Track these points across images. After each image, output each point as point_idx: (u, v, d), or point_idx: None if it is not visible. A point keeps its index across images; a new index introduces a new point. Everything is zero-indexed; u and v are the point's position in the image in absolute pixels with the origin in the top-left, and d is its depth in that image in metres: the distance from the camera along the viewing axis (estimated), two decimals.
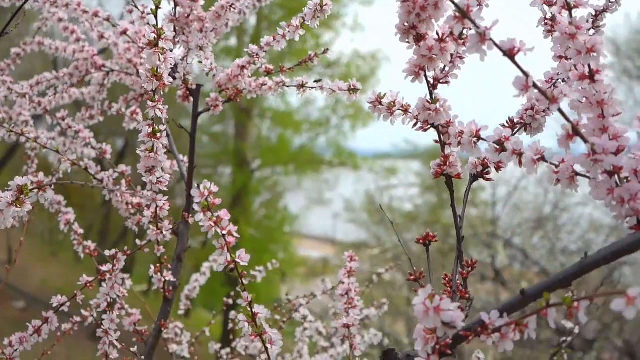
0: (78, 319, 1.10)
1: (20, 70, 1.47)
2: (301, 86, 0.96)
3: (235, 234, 0.63)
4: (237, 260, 0.63)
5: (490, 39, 0.50)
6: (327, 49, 1.00)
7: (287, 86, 0.98)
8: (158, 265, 0.97)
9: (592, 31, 0.73)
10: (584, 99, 0.54)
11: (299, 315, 1.32)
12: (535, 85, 0.51)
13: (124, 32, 1.05)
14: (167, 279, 0.98)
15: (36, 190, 0.67)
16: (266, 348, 0.64)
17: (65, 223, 1.11)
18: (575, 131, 0.52)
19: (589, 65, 0.54)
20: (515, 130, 0.69)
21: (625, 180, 0.52)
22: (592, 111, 0.54)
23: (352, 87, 0.84)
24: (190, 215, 0.96)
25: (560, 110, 0.52)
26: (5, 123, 1.26)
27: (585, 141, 0.51)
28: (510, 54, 0.51)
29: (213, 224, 0.62)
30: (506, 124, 0.69)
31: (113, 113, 1.18)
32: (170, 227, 0.91)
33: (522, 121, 0.69)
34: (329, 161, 12.16)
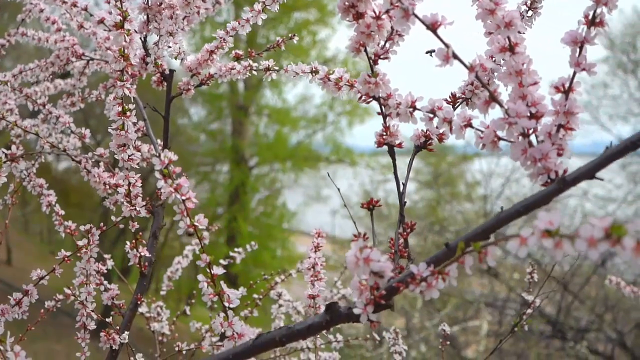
0: (60, 297, 1.15)
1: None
2: (267, 69, 1.01)
3: (194, 200, 0.68)
4: (196, 223, 0.68)
5: (414, 14, 0.55)
6: (294, 35, 1.05)
7: (256, 70, 1.03)
8: (134, 241, 1.02)
9: (530, 12, 0.78)
10: (504, 69, 0.59)
11: (275, 293, 1.37)
12: (454, 56, 0.56)
13: (101, 21, 1.09)
14: (142, 254, 1.03)
15: (9, 162, 0.72)
16: (224, 307, 0.70)
17: (46, 205, 1.16)
18: (492, 97, 0.57)
19: (509, 38, 0.59)
20: (457, 104, 0.74)
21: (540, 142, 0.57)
22: (512, 80, 0.59)
23: (314, 69, 0.89)
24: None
25: (479, 79, 0.57)
26: None
27: (502, 106, 0.57)
28: (433, 27, 0.56)
29: (173, 190, 0.67)
30: (448, 99, 0.74)
31: (92, 99, 1.23)
32: (144, 204, 0.96)
33: (463, 95, 0.74)
34: (326, 158, 12.21)
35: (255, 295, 1.34)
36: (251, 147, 12.15)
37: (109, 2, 1.14)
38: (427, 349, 5.41)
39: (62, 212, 1.16)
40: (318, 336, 1.21)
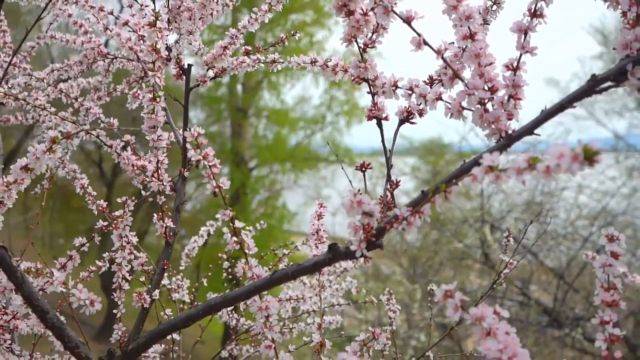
0: (95, 267, 1.30)
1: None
2: (274, 62, 1.17)
3: (218, 165, 0.83)
4: (221, 184, 0.84)
5: (392, 10, 0.71)
6: (296, 32, 1.21)
7: (263, 63, 1.18)
8: (160, 213, 1.17)
9: (494, 7, 0.94)
10: (465, 52, 0.75)
11: (282, 265, 1.52)
12: (425, 42, 0.71)
13: (126, 23, 1.25)
14: (168, 225, 1.18)
15: (65, 139, 0.87)
16: (244, 252, 0.85)
17: (80, 187, 1.31)
18: (455, 74, 0.72)
19: (469, 28, 0.74)
20: (434, 84, 0.90)
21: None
22: (473, 62, 0.75)
23: (313, 59, 1.05)
24: (186, 170, 1.17)
25: (444, 60, 0.72)
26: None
27: (463, 81, 0.72)
28: (408, 21, 0.72)
29: (202, 158, 0.83)
30: (426, 80, 0.90)
31: (117, 94, 1.38)
32: (170, 179, 1.12)
33: (439, 78, 0.89)
34: (325, 158, 12.36)
35: (265, 268, 1.49)
36: (251, 148, 12.28)
37: (131, 6, 1.30)
38: (426, 338, 5.55)
39: (94, 193, 1.31)
40: (323, 300, 1.36)
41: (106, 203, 1.26)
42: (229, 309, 1.59)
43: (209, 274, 1.70)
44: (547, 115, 0.68)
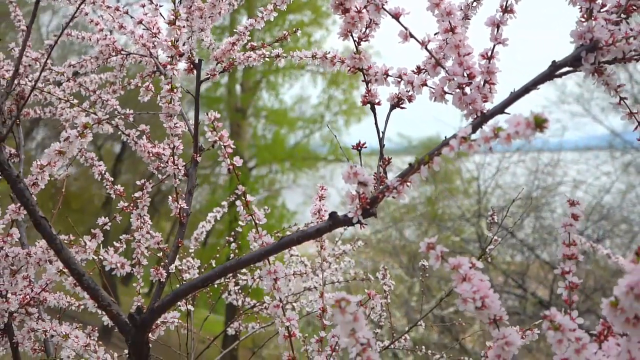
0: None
1: None
2: (277, 56, 1.28)
3: (232, 146, 0.94)
4: (234, 163, 0.95)
5: (383, 7, 0.82)
6: (297, 29, 1.32)
7: (267, 57, 1.30)
8: (175, 195, 1.28)
9: (475, 3, 1.05)
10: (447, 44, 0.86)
11: None
12: (411, 35, 0.83)
13: (140, 22, 1.36)
14: (182, 206, 1.29)
15: (96, 125, 0.98)
16: (255, 223, 0.96)
17: (98, 173, 1.42)
18: (437, 62, 0.84)
19: (450, 22, 0.86)
20: (421, 73, 1.01)
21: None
22: (453, 52, 0.86)
23: (314, 54, 1.16)
24: (198, 156, 1.28)
25: (427, 50, 0.84)
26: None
27: (444, 68, 0.83)
28: (396, 16, 0.83)
29: (218, 139, 0.94)
30: (415, 70, 1.01)
31: (132, 87, 1.50)
32: (184, 163, 1.23)
33: (425, 68, 1.01)
34: (324, 157, 12.47)
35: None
36: (250, 148, 12.39)
37: (143, 6, 1.41)
38: (425, 330, 5.68)
39: (112, 179, 1.42)
40: (325, 277, 1.48)
41: (123, 188, 1.37)
42: (236, 288, 1.70)
43: (217, 255, 1.82)
44: (514, 96, 0.79)
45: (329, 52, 1.04)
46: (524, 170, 8.60)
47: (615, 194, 8.40)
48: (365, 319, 0.98)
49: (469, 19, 1.01)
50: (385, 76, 0.93)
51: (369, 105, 0.99)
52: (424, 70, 1.01)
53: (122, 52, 1.53)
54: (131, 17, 1.42)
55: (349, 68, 0.95)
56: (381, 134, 0.98)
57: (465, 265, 0.71)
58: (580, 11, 0.80)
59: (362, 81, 0.96)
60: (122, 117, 1.39)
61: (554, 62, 0.77)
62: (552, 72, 0.77)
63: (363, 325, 0.68)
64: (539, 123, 0.59)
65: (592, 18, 0.76)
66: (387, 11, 0.83)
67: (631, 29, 0.76)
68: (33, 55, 1.60)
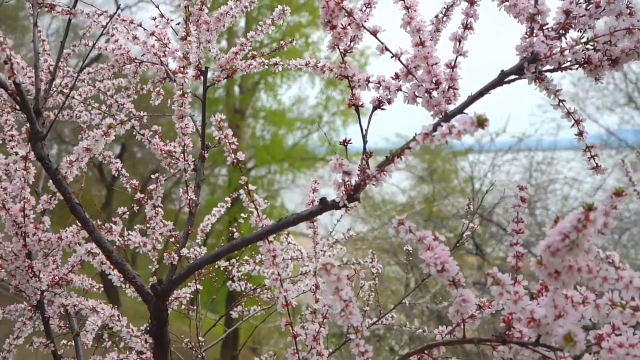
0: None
1: None
2: (275, 64, 1.45)
3: (236, 143, 1.11)
4: (238, 157, 1.11)
5: (363, 26, 0.99)
6: (293, 39, 1.49)
7: (267, 65, 1.46)
8: (185, 188, 1.45)
9: (444, 17, 1.21)
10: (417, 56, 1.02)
11: (283, 236, 1.80)
12: (386, 49, 0.99)
13: (152, 34, 1.52)
14: (191, 197, 1.46)
15: (120, 124, 1.15)
16: (256, 208, 1.13)
17: (115, 170, 1.58)
18: (408, 71, 1.00)
19: (419, 37, 1.02)
20: (398, 79, 1.17)
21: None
22: (423, 62, 1.02)
23: (307, 62, 1.32)
24: (205, 152, 1.44)
25: (400, 61, 1.00)
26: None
27: (414, 76, 1.00)
28: (374, 33, 0.99)
29: (223, 137, 1.10)
30: (393, 76, 1.17)
31: (144, 92, 1.66)
32: (193, 159, 1.39)
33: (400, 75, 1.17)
34: (322, 158, 12.63)
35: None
36: (248, 149, 12.54)
37: (154, 19, 1.57)
38: (420, 323, 5.84)
39: (127, 175, 1.59)
40: (319, 259, 1.64)
41: (138, 182, 1.53)
42: (240, 273, 1.87)
43: (222, 244, 1.97)
44: (471, 99, 0.96)
45: (319, 61, 1.21)
46: (519, 168, 8.78)
47: (609, 191, 8.54)
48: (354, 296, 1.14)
49: (440, 32, 1.18)
50: (366, 82, 1.09)
51: (367, 109, 1.16)
52: (400, 77, 1.17)
53: (136, 61, 1.69)
54: (144, 30, 1.58)
55: (336, 75, 1.12)
56: (364, 132, 1.14)
57: (429, 237, 0.88)
58: (526, 28, 0.97)
59: (347, 86, 1.13)
60: (138, 119, 1.55)
61: (502, 71, 0.93)
62: (501, 80, 0.94)
63: (345, 285, 0.84)
64: (481, 122, 0.76)
65: (533, 35, 0.93)
66: (366, 29, 0.99)
67: (567, 43, 0.93)
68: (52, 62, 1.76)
